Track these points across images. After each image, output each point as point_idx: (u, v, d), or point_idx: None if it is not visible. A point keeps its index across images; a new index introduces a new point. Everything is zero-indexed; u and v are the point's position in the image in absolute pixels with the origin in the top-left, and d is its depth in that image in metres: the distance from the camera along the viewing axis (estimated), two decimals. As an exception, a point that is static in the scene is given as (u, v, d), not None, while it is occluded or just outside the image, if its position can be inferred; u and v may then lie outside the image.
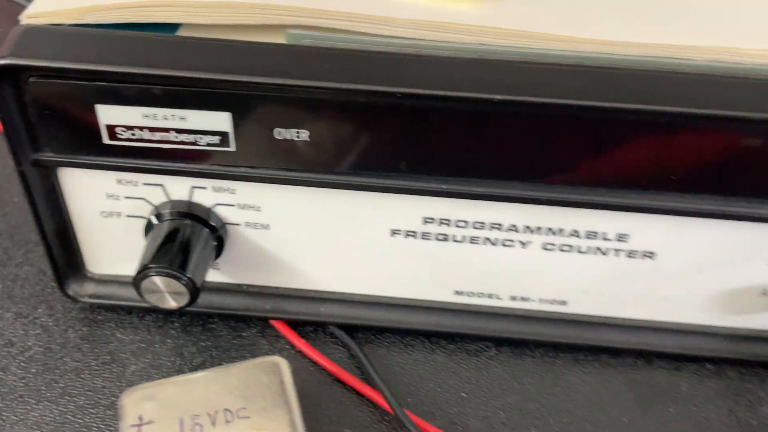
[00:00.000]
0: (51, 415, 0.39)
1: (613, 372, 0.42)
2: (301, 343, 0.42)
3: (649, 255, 0.38)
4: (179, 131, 0.35)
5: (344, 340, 0.42)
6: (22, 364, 0.41)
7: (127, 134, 0.35)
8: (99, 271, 0.43)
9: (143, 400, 0.35)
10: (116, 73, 0.33)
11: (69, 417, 0.39)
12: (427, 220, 0.38)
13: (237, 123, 0.34)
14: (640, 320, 0.41)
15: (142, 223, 0.39)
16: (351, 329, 0.43)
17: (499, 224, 0.38)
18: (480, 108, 0.33)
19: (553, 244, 0.38)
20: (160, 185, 0.38)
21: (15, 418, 0.39)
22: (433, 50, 0.34)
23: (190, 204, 0.38)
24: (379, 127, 0.34)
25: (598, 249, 0.38)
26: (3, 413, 0.39)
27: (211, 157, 0.35)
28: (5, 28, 0.34)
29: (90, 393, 0.40)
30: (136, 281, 0.37)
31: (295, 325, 0.43)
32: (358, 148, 0.35)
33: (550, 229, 0.37)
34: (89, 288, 0.43)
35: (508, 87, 0.32)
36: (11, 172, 0.37)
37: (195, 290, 0.37)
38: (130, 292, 0.41)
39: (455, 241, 0.39)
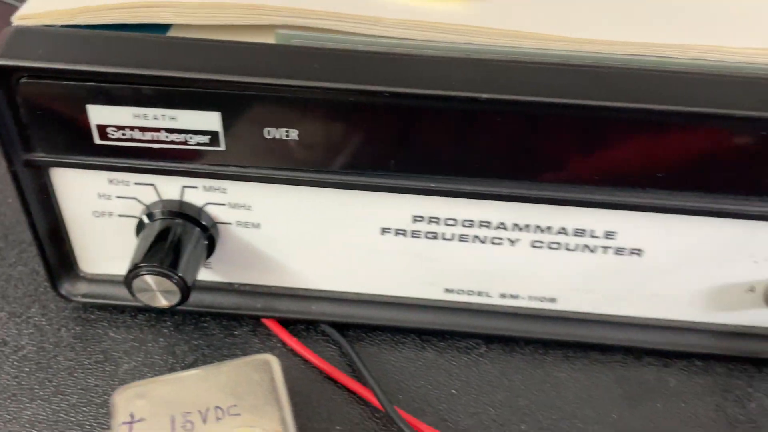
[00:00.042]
0: (44, 414, 0.39)
1: (602, 368, 0.42)
2: (292, 342, 0.42)
3: (637, 252, 0.38)
4: (169, 131, 0.35)
5: (335, 338, 0.43)
6: (15, 363, 0.41)
7: (118, 134, 0.35)
8: (91, 270, 0.43)
9: (135, 397, 0.35)
10: (107, 73, 0.33)
11: (62, 415, 0.39)
12: (417, 219, 0.38)
13: (227, 123, 0.34)
14: (629, 317, 0.42)
15: (134, 222, 0.39)
16: (342, 327, 0.43)
17: (488, 222, 0.38)
18: (467, 107, 0.33)
19: (541, 242, 0.38)
20: (152, 185, 0.38)
21: (8, 416, 0.39)
22: (421, 50, 0.35)
23: (181, 203, 0.38)
24: (368, 126, 0.34)
25: (586, 246, 0.38)
26: (-4, 412, 0.39)
27: (202, 157, 0.36)
28: (-3, 29, 0.35)
29: (83, 391, 0.40)
30: (128, 280, 0.37)
31: (286, 323, 0.43)
32: (348, 147, 0.35)
33: (538, 226, 0.38)
34: (82, 287, 0.43)
35: (495, 86, 0.33)
36: (4, 173, 0.37)
37: (186, 289, 0.37)
38: (122, 291, 0.41)
39: (445, 239, 0.39)
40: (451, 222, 0.38)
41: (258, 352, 0.42)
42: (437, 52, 0.34)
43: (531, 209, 0.37)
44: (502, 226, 0.38)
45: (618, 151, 0.34)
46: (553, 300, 0.42)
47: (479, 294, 0.42)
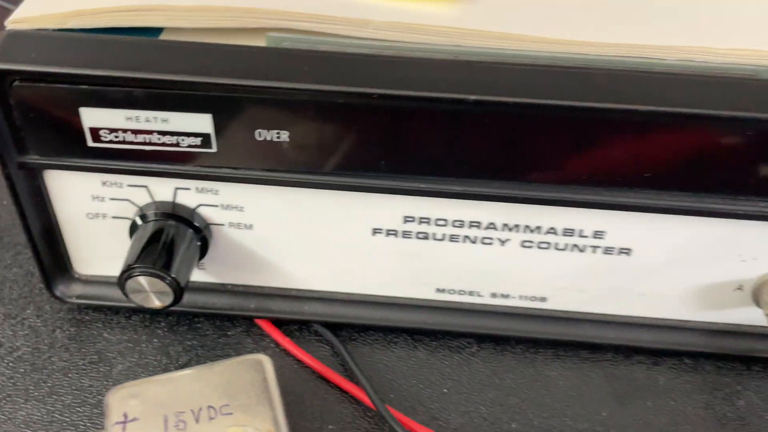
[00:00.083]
0: (39, 414, 0.40)
1: (592, 367, 0.42)
2: (285, 342, 0.43)
3: (626, 251, 0.39)
4: (162, 133, 0.35)
5: (328, 337, 0.43)
6: (10, 364, 0.42)
7: (111, 136, 0.35)
8: (86, 271, 0.43)
9: (128, 397, 0.35)
10: (99, 76, 0.33)
11: (57, 416, 0.40)
12: (408, 219, 0.39)
13: (218, 125, 0.35)
14: (619, 316, 0.42)
15: (128, 224, 0.40)
16: (335, 327, 0.44)
17: (478, 222, 0.38)
18: (455, 108, 0.33)
19: (531, 242, 0.39)
20: (145, 186, 0.38)
21: (3, 417, 0.39)
22: (410, 52, 0.35)
23: (174, 205, 0.39)
24: (358, 128, 0.34)
25: (576, 246, 0.39)
26: (-9, 412, 0.40)
27: (194, 159, 0.36)
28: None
29: (77, 392, 0.41)
30: (121, 281, 0.37)
31: (279, 323, 0.44)
32: (338, 149, 0.35)
33: (527, 226, 0.38)
34: (76, 289, 0.43)
35: (483, 87, 0.33)
36: (-1, 176, 0.37)
37: (179, 290, 0.38)
38: (117, 292, 0.41)
39: (435, 239, 0.39)
40: (441, 222, 0.39)
41: (251, 352, 0.42)
42: (426, 54, 0.35)
43: (520, 209, 0.37)
44: (492, 226, 0.38)
45: (606, 151, 0.34)
46: (543, 299, 0.42)
47: (470, 294, 0.42)
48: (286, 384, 0.41)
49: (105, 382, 0.41)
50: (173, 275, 0.37)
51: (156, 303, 0.38)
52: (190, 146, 0.36)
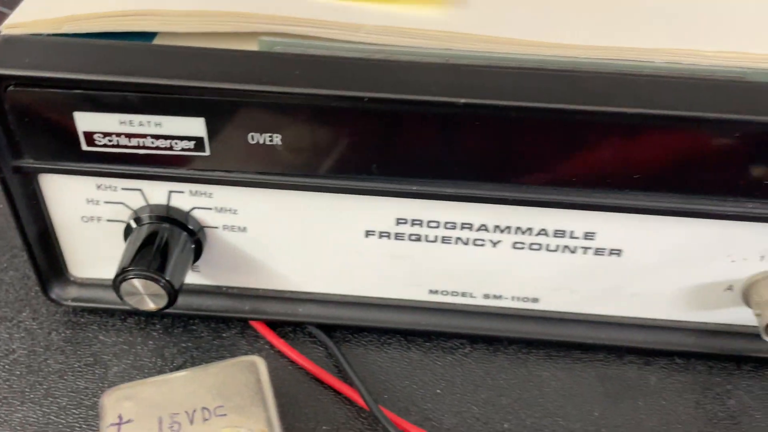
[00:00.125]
0: (35, 416, 0.40)
1: (584, 367, 0.43)
2: (279, 343, 0.43)
3: (616, 252, 0.39)
4: (155, 137, 0.35)
5: (322, 339, 0.43)
6: (6, 366, 0.42)
7: (105, 140, 0.36)
8: (81, 274, 0.44)
9: (123, 399, 0.36)
10: (93, 81, 0.34)
11: (52, 418, 0.40)
12: (400, 221, 0.39)
13: (211, 128, 0.35)
14: (611, 316, 0.42)
15: (122, 227, 0.40)
16: (329, 329, 0.44)
17: (470, 224, 0.39)
18: (446, 111, 0.33)
19: (522, 243, 0.39)
20: (139, 190, 0.39)
21: (-1, 419, 0.40)
22: (401, 56, 0.35)
23: (168, 208, 0.39)
24: (349, 131, 0.35)
25: (566, 247, 0.39)
26: (-13, 415, 0.40)
27: (187, 162, 0.36)
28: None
29: (73, 394, 0.41)
30: (116, 284, 0.38)
31: (274, 325, 0.44)
32: (330, 152, 0.36)
33: (519, 228, 0.39)
34: (72, 291, 0.44)
35: (473, 90, 0.33)
36: (-6, 180, 0.38)
37: (173, 292, 0.38)
38: (112, 295, 0.41)
39: (428, 241, 0.40)
40: (433, 224, 0.39)
41: (246, 353, 0.43)
42: (416, 58, 0.35)
43: (511, 211, 0.38)
44: (483, 227, 0.39)
45: (595, 153, 0.35)
46: (535, 300, 0.42)
47: (463, 295, 0.42)
48: (281, 385, 0.41)
49: (100, 384, 0.41)
50: (167, 278, 0.37)
51: (150, 305, 0.38)
52: (183, 150, 0.36)
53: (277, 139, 0.35)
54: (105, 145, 0.36)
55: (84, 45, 0.35)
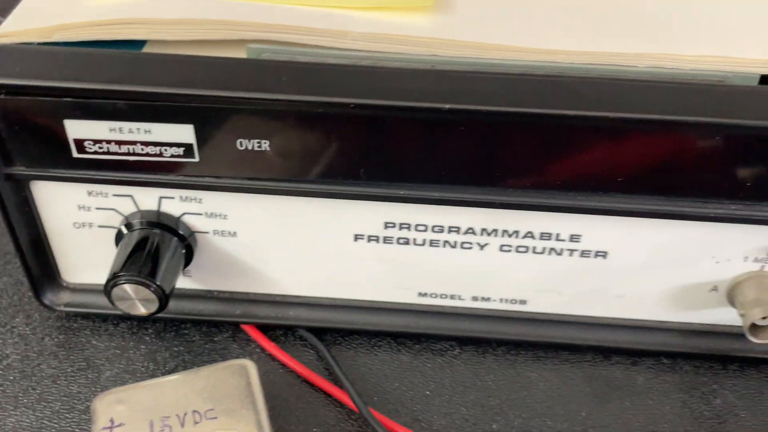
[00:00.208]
0: (28, 421, 0.40)
1: (572, 368, 0.43)
2: (270, 346, 0.43)
3: (602, 254, 0.39)
4: (145, 144, 0.36)
5: (313, 342, 0.44)
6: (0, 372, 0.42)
7: (95, 148, 0.36)
8: (74, 280, 0.44)
9: (115, 403, 0.36)
10: (83, 89, 0.34)
11: (45, 422, 0.40)
12: (388, 225, 0.39)
13: (200, 135, 0.35)
14: (598, 317, 0.43)
15: (114, 232, 0.40)
16: (319, 332, 0.44)
17: (457, 227, 0.39)
18: (432, 117, 0.34)
19: (509, 246, 0.40)
20: (130, 196, 0.39)
21: (-7, 424, 0.40)
22: (387, 62, 0.36)
23: (158, 214, 0.39)
24: (337, 137, 0.35)
25: (553, 250, 0.39)
26: (-19, 420, 0.40)
27: (177, 168, 0.37)
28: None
29: (66, 398, 0.41)
30: (107, 289, 0.38)
31: (265, 329, 0.44)
32: (318, 157, 0.36)
33: (505, 231, 0.39)
34: (65, 297, 0.44)
35: (459, 96, 0.34)
36: (-12, 187, 0.38)
37: (164, 297, 0.38)
38: (104, 300, 0.41)
39: (416, 244, 0.40)
40: (421, 228, 0.39)
41: (237, 357, 0.43)
42: (403, 64, 0.36)
43: (498, 214, 0.38)
44: (470, 231, 0.39)
45: (579, 157, 0.35)
46: (523, 302, 0.43)
47: (452, 297, 0.43)
48: (272, 388, 0.41)
49: (93, 389, 0.42)
50: (158, 283, 0.38)
51: (142, 310, 0.39)
52: (173, 156, 0.36)
53: (265, 145, 0.36)
54: (95, 152, 0.36)
55: (74, 53, 0.35)
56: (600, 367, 0.43)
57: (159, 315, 0.40)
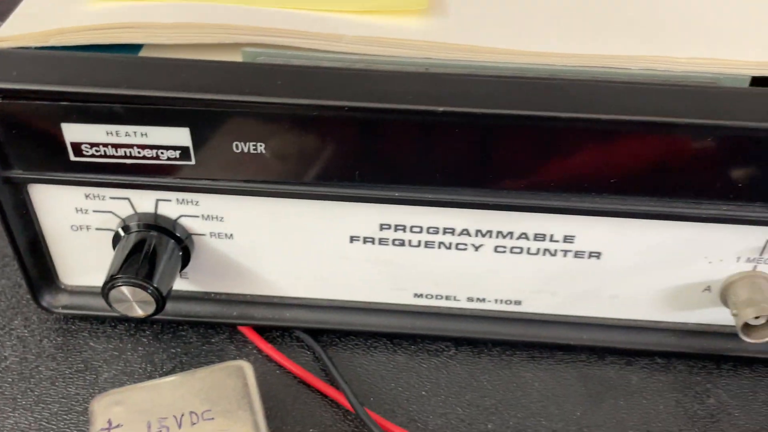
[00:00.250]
0: (26, 422, 0.40)
1: (567, 368, 0.43)
2: (267, 348, 0.44)
3: (596, 255, 0.40)
4: (142, 147, 0.36)
5: (309, 343, 0.44)
6: (-2, 374, 0.43)
7: (92, 151, 0.36)
8: (72, 282, 0.44)
9: (112, 405, 0.36)
10: (80, 93, 0.34)
11: (44, 423, 0.40)
12: (384, 227, 0.40)
13: (196, 138, 0.36)
14: (592, 318, 0.43)
15: (111, 235, 0.41)
16: (316, 333, 0.45)
17: (452, 229, 0.39)
18: (425, 119, 0.34)
19: (504, 247, 0.40)
20: (127, 199, 0.39)
21: (-9, 425, 0.40)
22: (381, 65, 0.36)
23: (155, 216, 0.40)
24: (331, 139, 0.35)
25: (547, 250, 0.40)
26: (-20, 421, 0.41)
27: (174, 171, 0.37)
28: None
29: (64, 400, 0.42)
30: (105, 291, 0.38)
31: (262, 330, 0.45)
32: (313, 160, 0.36)
33: (500, 232, 0.39)
34: (63, 299, 0.44)
35: (452, 99, 0.34)
36: (-16, 190, 0.38)
37: (161, 299, 0.38)
38: (102, 302, 0.42)
39: (411, 246, 0.40)
40: (416, 229, 0.40)
41: (234, 358, 0.43)
42: (396, 67, 0.36)
43: (492, 216, 0.39)
44: (465, 232, 0.39)
45: (572, 159, 0.35)
46: (518, 303, 0.43)
47: (447, 298, 0.43)
48: (269, 389, 0.42)
49: (91, 390, 0.42)
50: (155, 285, 0.38)
51: (139, 312, 0.39)
52: (169, 159, 0.37)
53: (261, 147, 0.36)
54: (92, 156, 0.37)
55: (71, 58, 0.36)
56: (594, 367, 0.43)
57: (156, 317, 0.40)
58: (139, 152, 0.36)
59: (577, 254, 0.40)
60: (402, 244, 0.40)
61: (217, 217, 0.40)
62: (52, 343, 0.44)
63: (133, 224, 0.40)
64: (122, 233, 0.40)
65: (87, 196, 0.39)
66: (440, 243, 0.40)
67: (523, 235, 0.39)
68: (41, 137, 0.36)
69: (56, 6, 0.39)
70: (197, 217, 0.40)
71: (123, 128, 0.35)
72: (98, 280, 0.42)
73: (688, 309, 0.42)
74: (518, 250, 0.40)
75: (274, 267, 0.42)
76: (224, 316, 0.44)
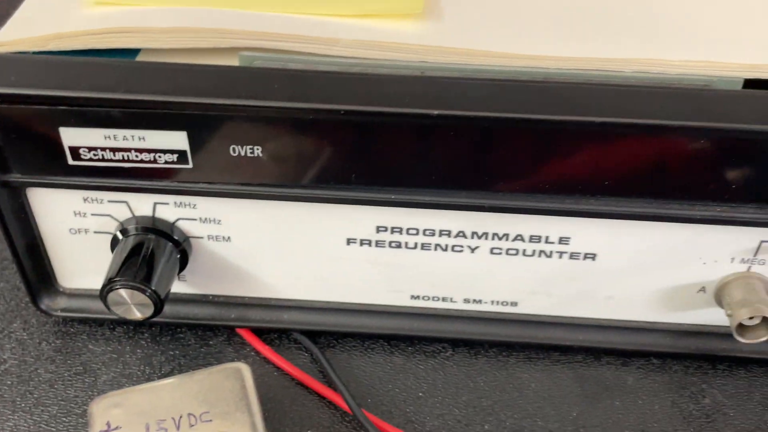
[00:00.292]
0: (25, 425, 0.41)
1: (563, 368, 0.44)
2: (265, 350, 0.44)
3: (591, 256, 0.40)
4: (139, 150, 0.36)
5: (307, 345, 0.44)
6: (-3, 376, 0.43)
7: (90, 155, 0.37)
8: (70, 285, 0.44)
9: (111, 407, 0.37)
10: (78, 97, 0.35)
11: (43, 426, 0.41)
12: (380, 229, 0.40)
13: (193, 142, 0.36)
14: (588, 318, 0.44)
15: (109, 238, 0.41)
16: (313, 335, 0.45)
17: (448, 231, 0.40)
18: (421, 122, 0.34)
19: (500, 249, 0.40)
20: (125, 202, 0.39)
21: (-9, 428, 0.41)
22: (377, 69, 0.36)
23: (153, 219, 0.40)
24: (328, 143, 0.36)
25: (542, 252, 0.40)
26: (-21, 424, 0.41)
27: (171, 174, 0.37)
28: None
29: (63, 402, 0.42)
30: (103, 294, 0.39)
31: (259, 332, 0.45)
32: (310, 163, 0.37)
33: (495, 234, 0.39)
34: (61, 302, 0.45)
35: (448, 102, 0.34)
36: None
37: (159, 302, 0.39)
38: (101, 304, 0.42)
39: (408, 248, 0.41)
40: (413, 231, 0.40)
41: (232, 360, 0.43)
42: (392, 71, 0.36)
43: (488, 218, 0.39)
44: (461, 234, 0.40)
45: (567, 161, 0.36)
46: (514, 304, 0.43)
47: (444, 300, 0.43)
48: (267, 391, 0.42)
49: (90, 393, 0.42)
50: (153, 287, 0.38)
51: (137, 315, 0.39)
52: (167, 163, 0.37)
53: (258, 151, 0.36)
54: (90, 159, 0.37)
55: (69, 62, 0.36)
56: (590, 367, 0.44)
57: (154, 319, 0.40)
58: (136, 156, 0.37)
59: (573, 256, 0.40)
60: (398, 246, 0.41)
61: (214, 220, 0.40)
62: (51, 346, 0.44)
63: (131, 227, 0.40)
64: (120, 236, 0.40)
65: (85, 200, 0.39)
66: (436, 245, 0.40)
67: (519, 237, 0.40)
68: (39, 141, 0.36)
69: (54, 11, 0.39)
70: (195, 220, 0.40)
71: (121, 132, 0.36)
72: (97, 283, 0.43)
73: (683, 310, 0.42)
74: (514, 252, 0.40)
75: (271, 269, 0.43)
76: (222, 318, 0.44)
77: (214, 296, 0.45)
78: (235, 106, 0.34)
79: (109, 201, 0.39)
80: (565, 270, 0.41)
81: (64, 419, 0.41)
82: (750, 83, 0.36)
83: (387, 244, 0.41)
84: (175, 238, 0.40)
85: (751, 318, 0.39)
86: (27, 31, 0.37)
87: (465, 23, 0.39)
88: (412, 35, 0.37)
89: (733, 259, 0.40)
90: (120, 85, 0.35)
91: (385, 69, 0.36)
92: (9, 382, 0.43)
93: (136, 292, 0.38)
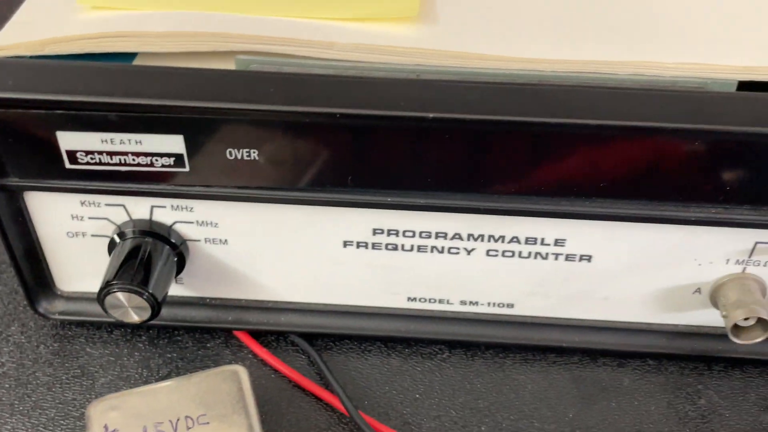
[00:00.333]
0: (23, 428, 0.41)
1: (559, 370, 0.44)
2: (263, 352, 0.44)
3: (587, 258, 0.40)
4: (136, 154, 0.36)
5: (304, 347, 0.44)
6: (-5, 380, 0.43)
7: (87, 158, 0.37)
8: (68, 288, 0.45)
9: (109, 410, 0.37)
10: (75, 101, 0.35)
11: (41, 429, 0.41)
12: (377, 231, 0.40)
13: (190, 145, 0.36)
14: (584, 320, 0.44)
15: (106, 241, 0.41)
16: (310, 337, 0.45)
17: (444, 233, 0.40)
18: (417, 125, 0.35)
19: (496, 251, 0.40)
20: (122, 205, 0.40)
21: (-11, 431, 0.41)
22: (372, 72, 0.36)
23: (150, 222, 0.40)
24: (324, 146, 0.36)
25: (538, 254, 0.40)
26: (-23, 427, 0.41)
27: (168, 178, 0.37)
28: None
29: (61, 405, 0.42)
30: (100, 297, 0.39)
31: (257, 335, 0.45)
32: (306, 166, 0.37)
33: (491, 236, 0.40)
34: (59, 305, 0.45)
35: (443, 105, 0.34)
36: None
37: (156, 305, 0.39)
38: (98, 308, 0.42)
39: (404, 250, 0.41)
40: (409, 234, 0.40)
41: (230, 363, 0.43)
42: (388, 74, 0.36)
43: (484, 220, 0.39)
44: (457, 236, 0.40)
45: (562, 163, 0.36)
46: (511, 305, 0.43)
47: (440, 302, 0.44)
48: (264, 393, 0.42)
49: (88, 396, 0.42)
50: (150, 291, 0.38)
51: (134, 318, 0.39)
52: (164, 166, 0.37)
53: (254, 154, 0.36)
54: (88, 163, 0.37)
55: (66, 66, 0.36)
56: (587, 368, 0.44)
57: (152, 322, 0.40)
58: (133, 159, 0.37)
59: (569, 257, 0.40)
60: (395, 248, 0.41)
61: (211, 223, 0.40)
62: (48, 349, 0.45)
63: (128, 231, 0.40)
64: (118, 239, 0.40)
65: (82, 203, 0.40)
66: (433, 247, 0.40)
67: (515, 239, 0.40)
68: (37, 145, 0.36)
69: (51, 15, 0.39)
70: (192, 223, 0.40)
71: (118, 136, 0.36)
72: (94, 286, 0.43)
73: (679, 311, 0.43)
74: (510, 254, 0.40)
75: (268, 272, 0.43)
76: (219, 321, 0.45)
77: (211, 299, 0.45)
78: (232, 110, 0.34)
79: (107, 204, 0.40)
80: (561, 272, 0.41)
81: (62, 422, 0.41)
82: (744, 85, 0.36)
83: (383, 247, 0.41)
84: (172, 241, 0.40)
85: (746, 319, 0.39)
86: (24, 35, 0.37)
87: (460, 26, 0.39)
88: (407, 38, 0.37)
89: (728, 260, 0.40)
90: (117, 89, 0.35)
91: (380, 72, 0.37)
92: (7, 386, 0.43)
93: (133, 295, 0.38)
